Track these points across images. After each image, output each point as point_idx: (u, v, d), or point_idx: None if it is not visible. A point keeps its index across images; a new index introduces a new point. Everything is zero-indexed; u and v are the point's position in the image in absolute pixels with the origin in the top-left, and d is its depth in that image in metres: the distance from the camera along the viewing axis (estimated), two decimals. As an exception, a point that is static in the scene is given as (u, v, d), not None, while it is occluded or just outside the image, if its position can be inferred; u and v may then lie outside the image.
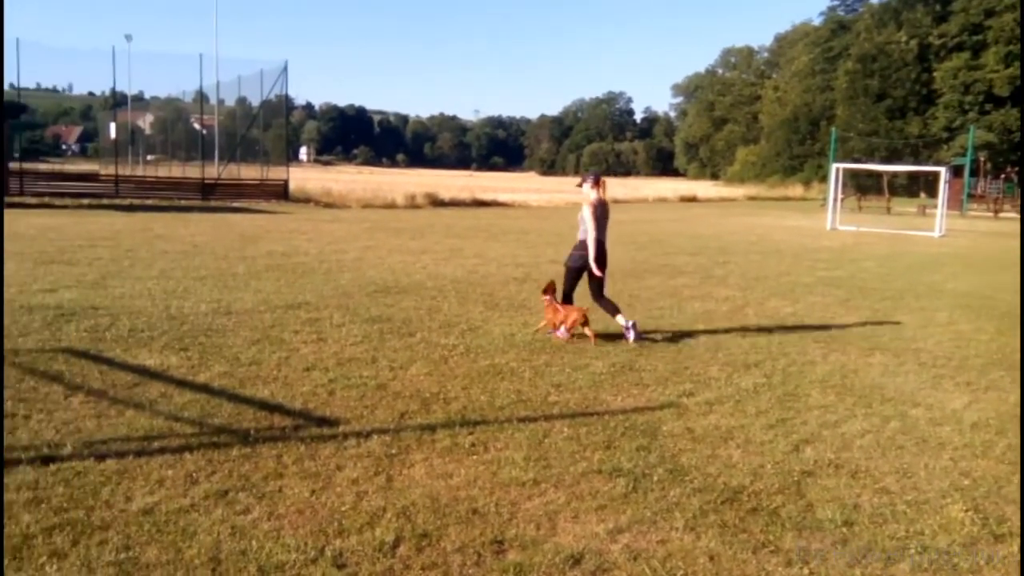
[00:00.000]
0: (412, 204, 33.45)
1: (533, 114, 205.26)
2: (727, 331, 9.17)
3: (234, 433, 5.22)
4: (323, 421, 5.56)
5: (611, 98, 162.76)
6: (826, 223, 28.38)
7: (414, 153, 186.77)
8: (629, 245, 19.18)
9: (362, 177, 67.86)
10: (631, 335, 8.31)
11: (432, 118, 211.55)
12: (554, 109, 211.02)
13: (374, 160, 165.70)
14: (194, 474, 4.53)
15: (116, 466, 4.58)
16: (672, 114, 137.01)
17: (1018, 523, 4.36)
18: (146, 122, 57.20)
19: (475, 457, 4.99)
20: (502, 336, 8.46)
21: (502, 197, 40.52)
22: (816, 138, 76.24)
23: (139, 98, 54.18)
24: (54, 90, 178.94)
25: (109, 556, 3.60)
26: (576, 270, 8.63)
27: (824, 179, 48.70)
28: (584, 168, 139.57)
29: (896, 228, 28.31)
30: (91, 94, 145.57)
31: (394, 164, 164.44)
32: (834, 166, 31.13)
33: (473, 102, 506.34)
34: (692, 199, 48.64)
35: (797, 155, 79.17)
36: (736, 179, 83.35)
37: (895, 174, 49.15)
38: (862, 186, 48.40)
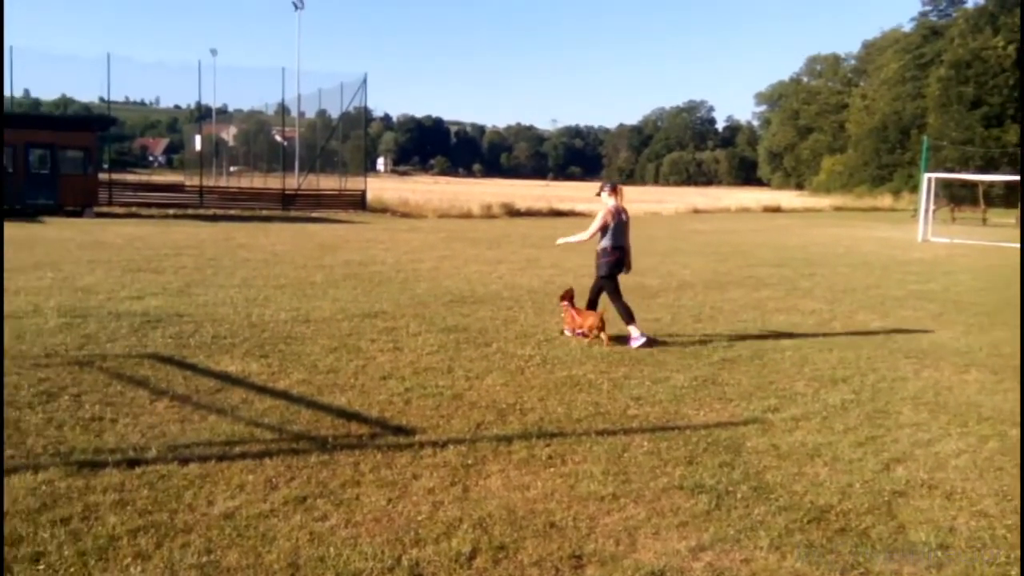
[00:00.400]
0: (488, 214, 33.64)
1: (611, 123, 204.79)
2: (813, 345, 8.89)
3: (312, 440, 5.27)
4: (399, 430, 5.57)
5: (692, 107, 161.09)
6: (917, 235, 27.39)
7: (490, 163, 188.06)
8: (711, 256, 18.87)
9: (438, 187, 68.56)
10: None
11: (509, 128, 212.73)
12: (633, 118, 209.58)
13: (450, 170, 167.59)
14: (274, 480, 4.58)
15: (199, 470, 4.66)
16: (755, 123, 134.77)
17: None
18: (229, 134, 59.09)
19: (552, 470, 4.92)
20: (579, 347, 8.37)
21: (579, 207, 40.30)
22: (906, 147, 73.75)
23: (223, 111, 56.09)
24: (142, 103, 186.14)
25: (191, 559, 3.65)
26: (609, 276, 8.85)
27: (915, 189, 46.98)
28: (664, 177, 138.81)
29: (993, 240, 27.08)
30: (177, 107, 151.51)
31: (470, 174, 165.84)
32: (926, 176, 30.04)
33: (550, 112, 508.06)
34: (776, 209, 47.71)
35: (886, 164, 76.71)
36: (822, 189, 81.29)
37: (991, 184, 47.11)
38: (956, 196, 46.57)
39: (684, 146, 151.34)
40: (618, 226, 8.76)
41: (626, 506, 4.44)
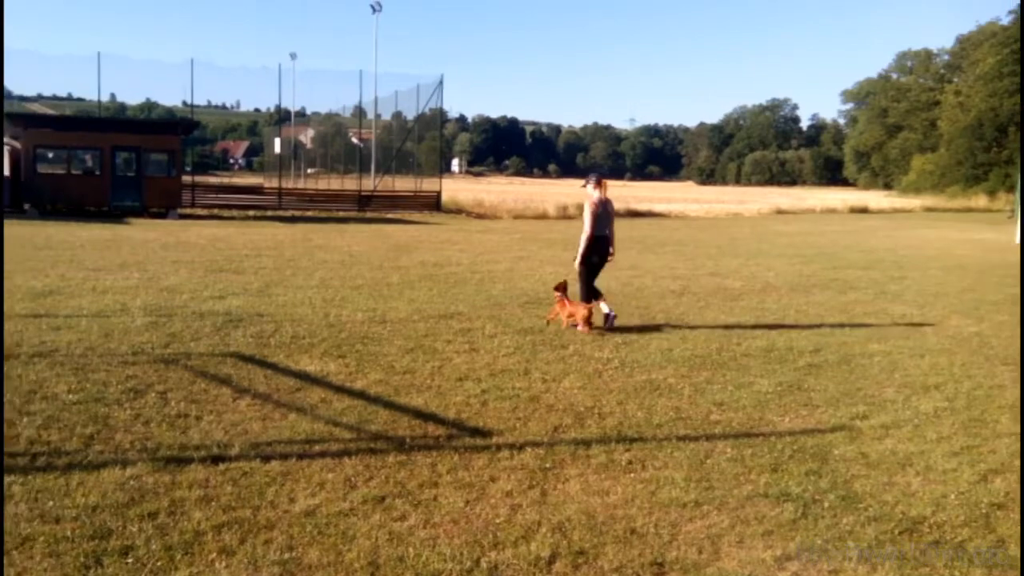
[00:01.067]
0: (564, 215, 33.49)
1: (691, 122, 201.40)
2: (904, 350, 8.56)
3: (390, 440, 5.29)
4: (476, 432, 5.55)
5: (775, 105, 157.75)
6: (1015, 236, 26.18)
7: (566, 164, 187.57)
8: (795, 258, 18.42)
9: (513, 188, 68.71)
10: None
11: (585, 128, 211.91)
12: (714, 117, 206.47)
13: (525, 171, 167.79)
14: (353, 479, 4.61)
15: (280, 468, 4.72)
16: (841, 121, 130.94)
17: None
18: (307, 137, 60.28)
19: (632, 475, 4.83)
20: (659, 351, 8.22)
21: (658, 207, 39.98)
22: (1003, 145, 70.59)
23: (301, 114, 57.23)
24: (223, 107, 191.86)
25: (274, 555, 3.69)
26: (584, 261, 9.45)
27: (1012, 189, 44.98)
28: (745, 177, 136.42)
29: (1095, 241, 25.70)
30: (257, 110, 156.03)
31: (546, 175, 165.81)
32: (1024, 175, 28.67)
33: (628, 111, 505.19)
34: (863, 210, 46.33)
35: (981, 163, 73.55)
36: (911, 189, 78.44)
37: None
38: (1056, 196, 44.33)
39: (767, 145, 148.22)
40: (601, 215, 9.38)
41: (709, 513, 4.33)
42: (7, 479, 4.37)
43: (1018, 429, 5.95)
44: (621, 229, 26.87)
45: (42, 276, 11.66)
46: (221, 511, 4.12)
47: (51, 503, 4.11)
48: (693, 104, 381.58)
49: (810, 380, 7.20)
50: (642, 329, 9.30)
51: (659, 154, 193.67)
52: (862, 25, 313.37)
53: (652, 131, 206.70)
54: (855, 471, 5.01)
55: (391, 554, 3.74)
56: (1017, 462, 5.24)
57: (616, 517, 4.23)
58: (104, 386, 6.21)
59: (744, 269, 15.96)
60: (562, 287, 9.42)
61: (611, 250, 9.61)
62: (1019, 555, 3.98)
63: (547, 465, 4.92)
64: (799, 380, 7.18)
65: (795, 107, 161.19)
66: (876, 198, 61.20)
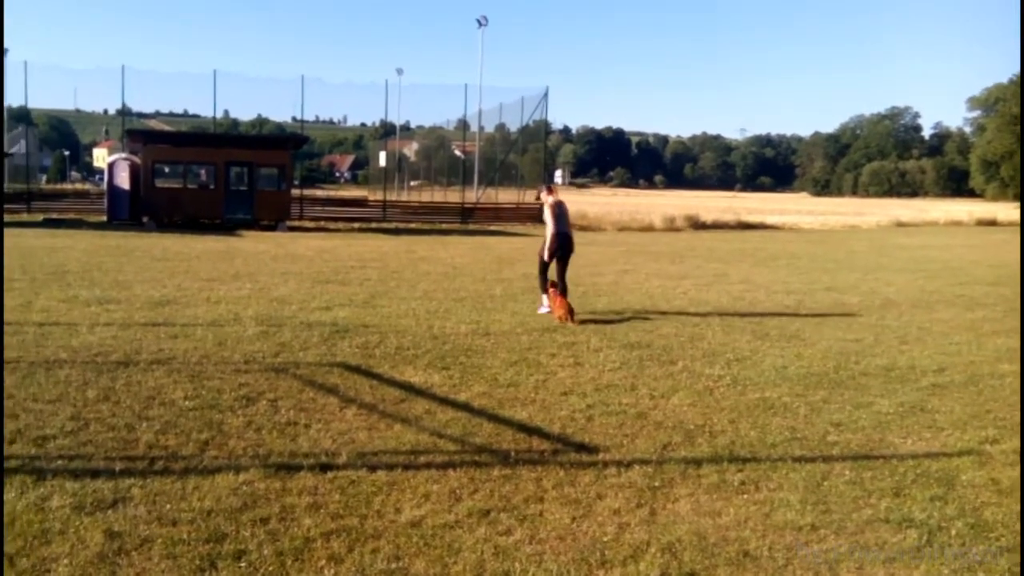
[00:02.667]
0: (671, 227, 33.04)
1: (805, 131, 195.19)
2: (1039, 371, 7.99)
3: (494, 453, 5.26)
4: (582, 447, 5.46)
5: (895, 113, 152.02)
6: None
7: (673, 174, 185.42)
8: (917, 273, 17.59)
9: (618, 199, 68.14)
10: (543, 309, 10.71)
11: (693, 138, 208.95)
12: (829, 126, 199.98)
13: (630, 182, 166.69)
14: (457, 491, 4.59)
15: (386, 477, 4.75)
16: (967, 129, 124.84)
17: None
18: (411, 150, 61.37)
19: (745, 496, 4.65)
20: (773, 368, 7.93)
21: (770, 219, 38.99)
22: None
23: (406, 128, 58.21)
24: (330, 122, 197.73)
25: (381, 565, 3.71)
26: (551, 257, 10.74)
27: None
28: (863, 188, 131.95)
29: None
30: (363, 124, 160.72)
31: (651, 186, 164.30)
32: None
33: (739, 120, 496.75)
34: (991, 222, 44.01)
35: (1121, 172, 68.75)
36: (1047, 200, 73.92)
37: None
38: None
39: (886, 155, 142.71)
40: (560, 216, 10.68)
41: (826, 538, 4.14)
42: (127, 482, 4.55)
43: None
44: (731, 242, 26.64)
45: (160, 286, 12.20)
46: (330, 519, 4.17)
47: (168, 506, 4.25)
48: (807, 113, 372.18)
49: (934, 401, 6.81)
50: (754, 346, 9.01)
51: (771, 164, 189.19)
52: (988, 28, 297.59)
53: (764, 141, 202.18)
54: (985, 498, 4.72)
55: (497, 569, 3.71)
56: None
57: (728, 539, 4.08)
58: (218, 393, 6.41)
59: (862, 284, 15.33)
60: (554, 284, 10.50)
61: (548, 246, 10.78)
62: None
63: (656, 484, 4.79)
64: (922, 401, 6.80)
65: (916, 115, 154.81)
66: (1006, 210, 57.73)
